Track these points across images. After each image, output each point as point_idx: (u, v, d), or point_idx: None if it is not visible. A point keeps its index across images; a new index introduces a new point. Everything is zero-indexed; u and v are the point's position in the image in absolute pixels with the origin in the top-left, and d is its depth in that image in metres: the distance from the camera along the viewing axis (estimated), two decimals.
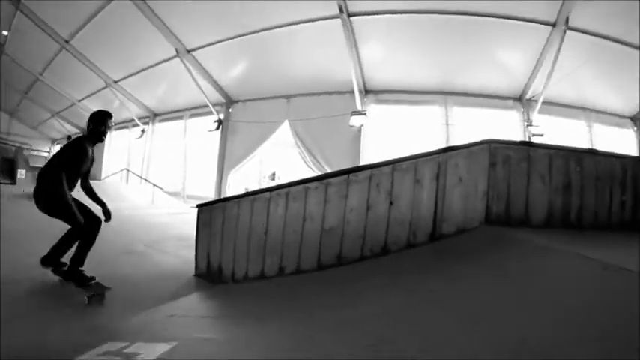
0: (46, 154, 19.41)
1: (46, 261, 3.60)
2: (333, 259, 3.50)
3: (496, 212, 3.07)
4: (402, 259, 3.19)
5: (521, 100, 11.19)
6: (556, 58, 9.25)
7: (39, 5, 10.43)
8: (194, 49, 9.97)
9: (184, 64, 10.32)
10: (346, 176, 3.48)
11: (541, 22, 9.06)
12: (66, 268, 3.65)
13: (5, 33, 12.27)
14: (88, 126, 3.77)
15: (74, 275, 3.56)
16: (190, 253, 4.75)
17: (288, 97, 10.64)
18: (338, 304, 2.58)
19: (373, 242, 3.35)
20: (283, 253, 3.80)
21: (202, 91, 10.45)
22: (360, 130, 10.12)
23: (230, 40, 9.36)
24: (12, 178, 9.11)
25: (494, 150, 3.09)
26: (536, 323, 1.58)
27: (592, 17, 8.87)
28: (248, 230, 4.11)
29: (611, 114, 12.13)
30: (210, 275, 4.44)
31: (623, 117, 12.26)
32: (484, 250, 2.72)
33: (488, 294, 2.06)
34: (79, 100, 14.93)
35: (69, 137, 15.73)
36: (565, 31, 8.99)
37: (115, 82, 12.98)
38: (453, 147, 3.23)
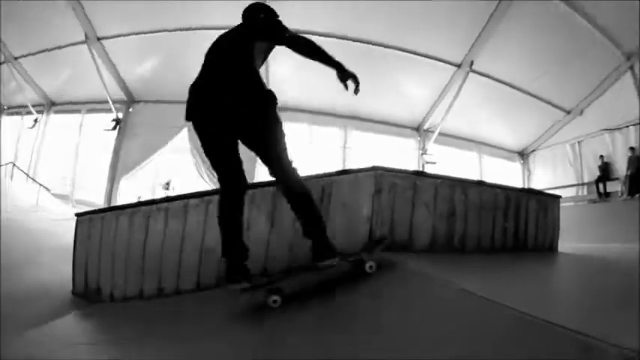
0: None
1: None
2: (213, 280, 3.24)
3: (380, 237, 2.97)
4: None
5: (418, 130, 12.10)
6: (456, 95, 10.23)
7: None
8: (105, 38, 9.00)
9: (91, 52, 9.27)
10: None
11: (447, 62, 9.86)
12: None
13: None
14: None
15: None
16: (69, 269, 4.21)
17: None
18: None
19: (253, 264, 3.11)
20: (162, 273, 3.48)
21: (105, 85, 9.41)
22: None
23: (142, 35, 8.64)
24: None
25: (380, 177, 3.01)
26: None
27: (494, 63, 9.92)
28: (127, 246, 3.72)
29: (500, 148, 13.55)
30: (87, 294, 3.98)
31: (512, 151, 13.75)
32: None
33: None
34: None
35: None
36: (468, 73, 9.84)
37: (15, 58, 11.24)
38: (338, 171, 3.10)
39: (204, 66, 2.61)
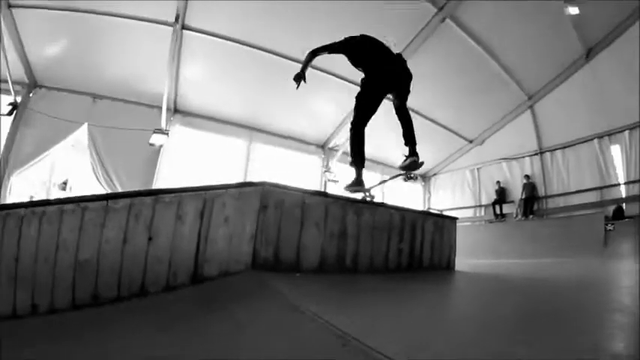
0: None
1: None
2: (89, 297, 2.99)
3: (264, 256, 2.86)
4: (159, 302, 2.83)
5: (323, 148, 12.37)
6: None
7: None
8: (16, 6, 7.89)
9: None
10: (105, 202, 3.01)
11: (355, 84, 10.18)
12: None
13: None
14: None
15: None
16: None
17: (95, 96, 9.32)
18: None
19: (130, 281, 2.93)
20: (36, 287, 3.17)
21: (7, 60, 7.99)
22: (159, 149, 9.45)
23: (56, 11, 7.78)
24: None
25: (266, 193, 2.87)
26: None
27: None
28: None
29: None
30: None
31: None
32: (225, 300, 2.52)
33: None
34: None
35: None
36: None
37: None
38: (222, 185, 2.97)
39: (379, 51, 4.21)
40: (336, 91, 10.28)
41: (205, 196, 2.91)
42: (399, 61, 4.22)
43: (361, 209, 3.37)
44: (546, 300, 2.81)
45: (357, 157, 4.02)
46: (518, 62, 10.40)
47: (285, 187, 2.98)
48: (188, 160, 9.97)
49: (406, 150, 4.25)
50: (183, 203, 2.92)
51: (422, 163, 4.25)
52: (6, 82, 8.28)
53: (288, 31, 8.72)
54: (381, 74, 4.01)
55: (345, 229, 3.26)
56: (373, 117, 4.07)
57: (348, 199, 3.39)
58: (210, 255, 2.85)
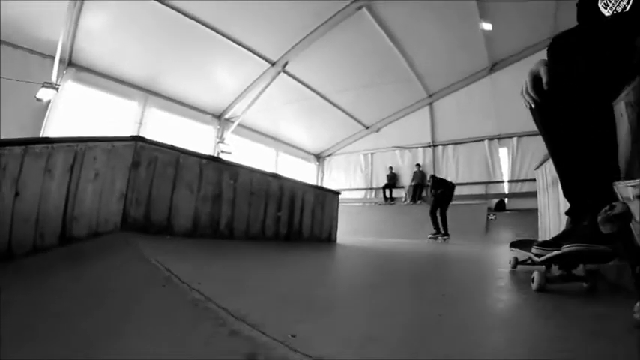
0: None
1: None
2: None
3: (134, 217, 2.86)
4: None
5: (219, 118, 12.60)
6: (262, 90, 10.98)
7: None
8: None
9: None
10: None
11: (264, 58, 10.39)
12: None
13: None
14: None
15: None
16: None
17: None
18: None
19: None
20: None
21: None
22: (47, 105, 8.76)
23: None
24: None
25: (140, 149, 2.85)
26: None
27: (307, 70, 10.82)
28: None
29: (299, 149, 15.33)
30: None
31: (309, 153, 15.76)
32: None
33: None
34: None
35: None
36: (279, 72, 10.68)
37: None
38: (94, 137, 2.90)
39: None
40: (241, 62, 10.19)
41: (77, 148, 2.83)
42: None
43: (237, 173, 3.48)
44: (399, 266, 3.23)
45: None
46: (426, 62, 11.27)
47: (158, 144, 2.97)
48: (77, 120, 9.20)
49: None
50: (54, 155, 2.82)
51: None
52: None
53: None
54: None
55: (221, 192, 3.37)
56: None
57: (223, 162, 3.47)
58: (78, 213, 2.79)
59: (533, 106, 1.59)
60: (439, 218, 8.68)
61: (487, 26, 9.72)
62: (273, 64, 10.58)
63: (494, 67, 11.54)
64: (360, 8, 9.22)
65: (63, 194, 2.83)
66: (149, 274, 1.85)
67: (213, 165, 3.30)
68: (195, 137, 11.68)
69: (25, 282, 2.30)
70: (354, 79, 11.67)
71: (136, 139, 2.88)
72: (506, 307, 1.50)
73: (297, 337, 0.90)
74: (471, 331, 1.06)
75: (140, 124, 10.28)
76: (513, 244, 2.42)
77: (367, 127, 14.47)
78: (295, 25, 9.47)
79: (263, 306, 1.28)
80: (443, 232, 8.59)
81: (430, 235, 8.62)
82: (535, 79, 1.54)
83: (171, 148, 3.05)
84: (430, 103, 13.06)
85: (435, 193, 8.79)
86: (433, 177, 9.58)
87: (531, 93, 1.55)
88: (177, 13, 8.64)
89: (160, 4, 8.35)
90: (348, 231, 5.14)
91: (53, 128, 8.79)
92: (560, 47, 1.52)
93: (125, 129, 9.53)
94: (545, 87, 1.47)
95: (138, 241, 2.65)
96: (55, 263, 2.59)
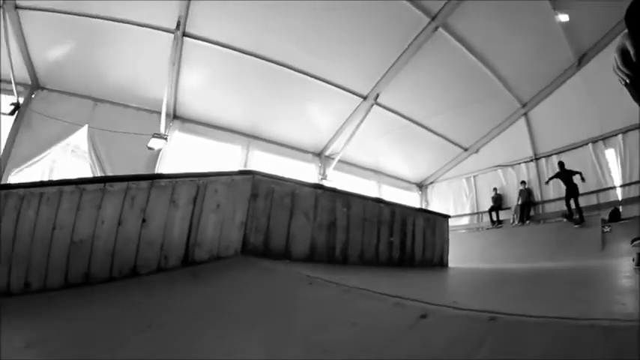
0: None
1: None
2: (81, 277, 3.07)
3: (254, 243, 2.94)
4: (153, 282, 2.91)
5: (320, 156, 12.51)
6: (358, 125, 10.79)
7: None
8: (22, 7, 7.91)
9: (4, 17, 7.95)
10: (102, 184, 3.10)
11: (355, 94, 10.40)
12: None
13: None
14: None
15: None
16: None
17: (95, 99, 9.43)
18: None
19: (123, 262, 3.01)
20: (30, 266, 3.25)
21: (11, 61, 8.16)
22: (158, 153, 9.50)
23: (59, 14, 7.84)
24: None
25: (257, 182, 2.96)
26: None
27: (398, 100, 10.59)
28: None
29: (399, 179, 14.63)
30: None
31: (410, 182, 14.94)
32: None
33: None
34: None
35: None
36: (373, 105, 10.66)
37: None
38: (214, 172, 3.05)
39: None
40: (334, 99, 10.39)
41: (199, 182, 3.00)
42: None
43: (349, 201, 3.42)
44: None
45: None
46: (511, 70, 10.43)
47: (275, 177, 3.06)
48: (186, 165, 9.89)
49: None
50: (178, 188, 3.01)
51: None
52: (9, 82, 8.38)
53: (288, 40, 8.76)
54: None
55: (335, 220, 3.32)
56: None
57: (337, 190, 3.44)
58: (201, 240, 2.93)
59: (628, 81, 1.48)
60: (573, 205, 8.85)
61: (564, 17, 8.73)
62: (365, 97, 10.59)
63: (581, 61, 10.19)
64: (436, 29, 8.90)
65: (186, 222, 3.00)
66: (294, 277, 1.94)
67: (328, 194, 3.27)
68: (298, 176, 11.97)
69: (173, 289, 2.44)
70: (445, 101, 11.12)
71: (254, 172, 3.01)
72: None
73: (457, 303, 1.19)
74: None
75: (245, 166, 10.83)
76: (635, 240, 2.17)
77: (466, 149, 13.64)
78: (379, 56, 9.35)
79: (410, 293, 1.47)
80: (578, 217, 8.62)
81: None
82: (623, 53, 1.44)
83: (287, 180, 3.10)
84: (525, 114, 11.98)
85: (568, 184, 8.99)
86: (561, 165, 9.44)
87: (622, 68, 1.46)
88: (270, 63, 9.09)
89: (247, 56, 8.84)
90: (458, 258, 4.77)
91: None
92: (634, 16, 1.44)
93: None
94: (634, 59, 1.38)
95: (261, 262, 2.72)
96: (199, 273, 2.75)
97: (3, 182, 8.05)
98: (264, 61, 9.04)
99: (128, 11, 7.84)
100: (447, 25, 8.93)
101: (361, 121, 10.75)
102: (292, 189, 3.10)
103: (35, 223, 3.27)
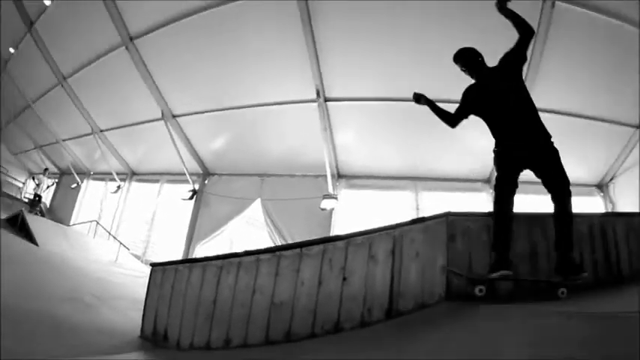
0: (19, 185, 18.50)
1: None
2: (282, 334, 3.20)
3: (457, 286, 2.80)
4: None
5: (489, 182, 11.38)
6: None
7: (49, 34, 10.43)
8: (179, 115, 9.95)
9: (168, 127, 10.17)
10: (299, 249, 3.27)
11: None
12: None
13: (12, 50, 12.01)
14: None
15: None
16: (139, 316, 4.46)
17: (262, 175, 10.51)
18: None
19: (325, 319, 3.06)
20: (231, 325, 3.49)
21: (181, 157, 10.26)
22: (330, 213, 9.91)
23: (213, 112, 9.44)
24: None
25: (452, 222, 2.87)
26: None
27: (556, 97, 8.93)
28: (197, 297, 3.83)
29: (576, 185, 12.04)
30: (155, 338, 4.13)
31: (589, 185, 11.82)
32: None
33: None
34: (64, 140, 14.28)
35: (45, 170, 15.00)
36: None
37: (101, 131, 12.66)
38: (407, 222, 3.00)
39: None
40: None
41: (394, 234, 3.00)
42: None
43: (546, 223, 3.06)
44: None
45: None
46: None
47: (468, 214, 2.92)
48: (359, 219, 10.02)
49: None
50: (374, 243, 3.05)
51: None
52: (184, 174, 10.66)
53: (426, 75, 8.49)
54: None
55: (536, 246, 3.02)
56: None
57: (531, 215, 3.12)
58: (404, 289, 2.88)
59: None
60: None
61: None
62: None
63: None
64: (553, 5, 7.71)
65: (387, 274, 2.98)
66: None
67: (523, 220, 2.98)
68: (471, 207, 11.43)
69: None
70: (592, 79, 9.06)
71: (447, 214, 2.93)
72: None
73: None
74: None
75: (417, 209, 10.85)
76: None
77: (638, 126, 10.55)
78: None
79: None
80: None
81: None
82: None
83: (481, 215, 2.94)
84: None
85: None
86: None
87: None
88: (408, 103, 9.04)
89: (389, 102, 8.89)
90: None
91: (340, 230, 9.78)
92: None
93: (405, 217, 10.12)
94: None
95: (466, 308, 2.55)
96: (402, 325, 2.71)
97: (191, 253, 9.88)
98: (405, 103, 8.99)
99: (271, 96, 8.91)
100: None
101: None
102: (487, 223, 2.88)
103: (235, 288, 3.52)
